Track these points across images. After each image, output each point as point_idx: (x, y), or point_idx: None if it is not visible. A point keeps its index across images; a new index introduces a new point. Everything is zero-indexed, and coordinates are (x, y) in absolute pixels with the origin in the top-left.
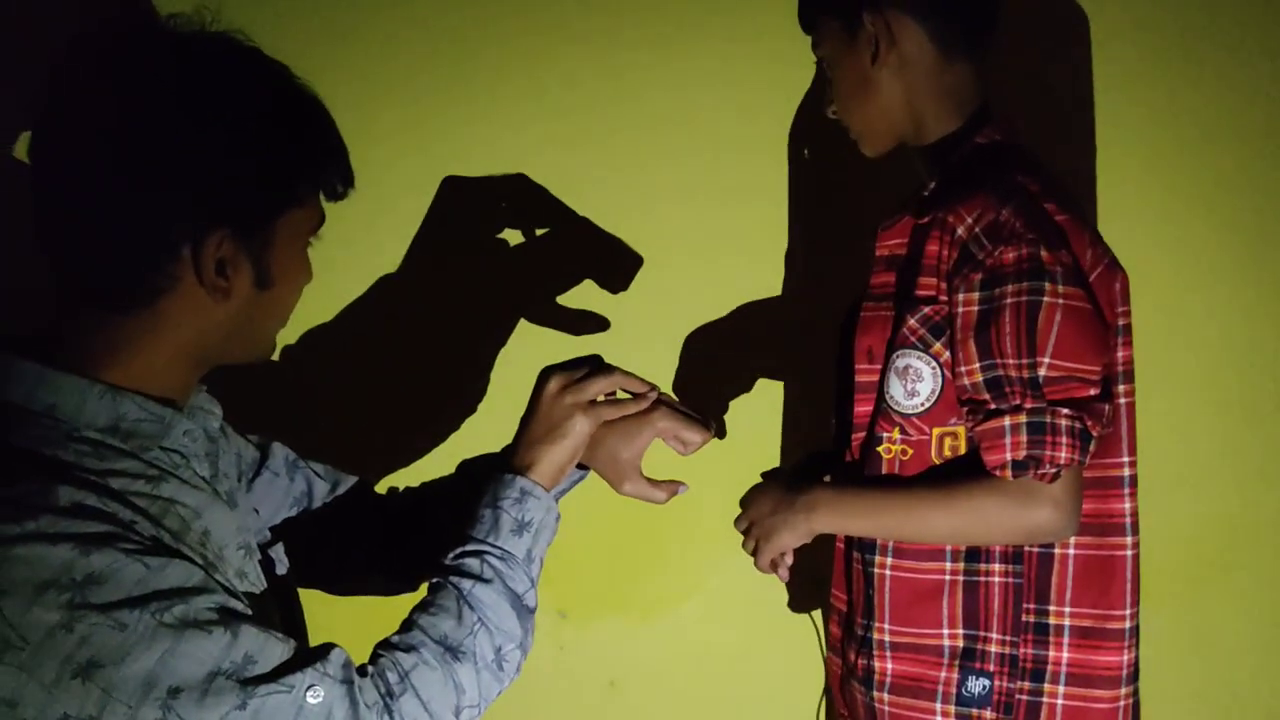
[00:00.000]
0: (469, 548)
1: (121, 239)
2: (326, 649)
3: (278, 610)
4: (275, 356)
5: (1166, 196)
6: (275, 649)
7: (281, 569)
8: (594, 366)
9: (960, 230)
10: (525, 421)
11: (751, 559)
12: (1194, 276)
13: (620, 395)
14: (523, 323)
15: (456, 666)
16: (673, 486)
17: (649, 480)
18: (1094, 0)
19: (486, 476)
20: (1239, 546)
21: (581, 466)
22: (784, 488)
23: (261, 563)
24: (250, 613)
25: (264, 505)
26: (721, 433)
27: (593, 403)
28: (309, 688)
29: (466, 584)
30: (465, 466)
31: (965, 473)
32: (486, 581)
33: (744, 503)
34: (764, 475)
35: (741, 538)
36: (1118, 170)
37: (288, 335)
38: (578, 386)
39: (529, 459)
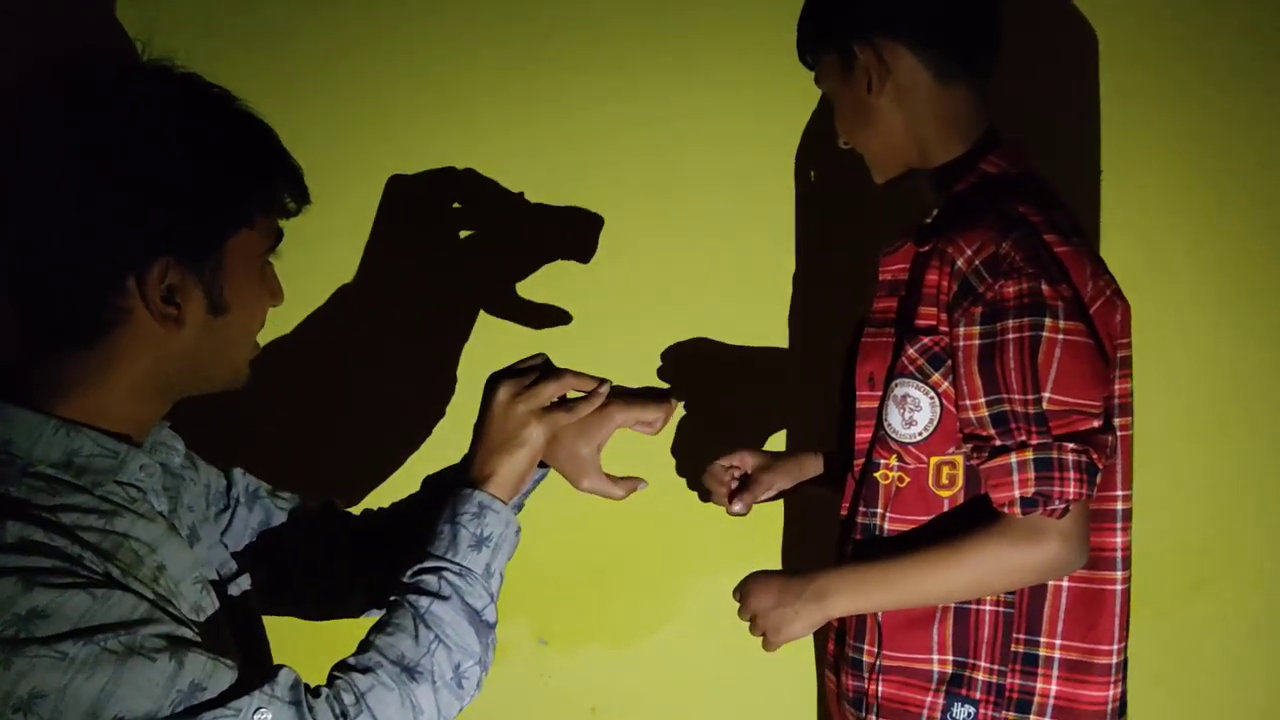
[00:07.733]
0: (427, 564)
1: (62, 272)
2: (275, 671)
3: (240, 642)
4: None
5: (1157, 219)
6: (224, 676)
7: (244, 599)
8: (543, 370)
9: (960, 262)
10: (479, 431)
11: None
12: (1174, 298)
13: (572, 395)
14: (488, 323)
15: (414, 686)
16: (631, 484)
17: (608, 476)
18: (1103, 20)
19: (448, 491)
20: (1214, 565)
21: (542, 465)
22: (785, 576)
23: (226, 595)
24: (199, 641)
25: (230, 537)
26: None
27: (546, 407)
28: (256, 710)
29: (424, 602)
30: (430, 481)
31: (967, 526)
32: (444, 598)
33: (741, 593)
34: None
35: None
36: (1122, 191)
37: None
38: (529, 393)
39: (487, 470)
